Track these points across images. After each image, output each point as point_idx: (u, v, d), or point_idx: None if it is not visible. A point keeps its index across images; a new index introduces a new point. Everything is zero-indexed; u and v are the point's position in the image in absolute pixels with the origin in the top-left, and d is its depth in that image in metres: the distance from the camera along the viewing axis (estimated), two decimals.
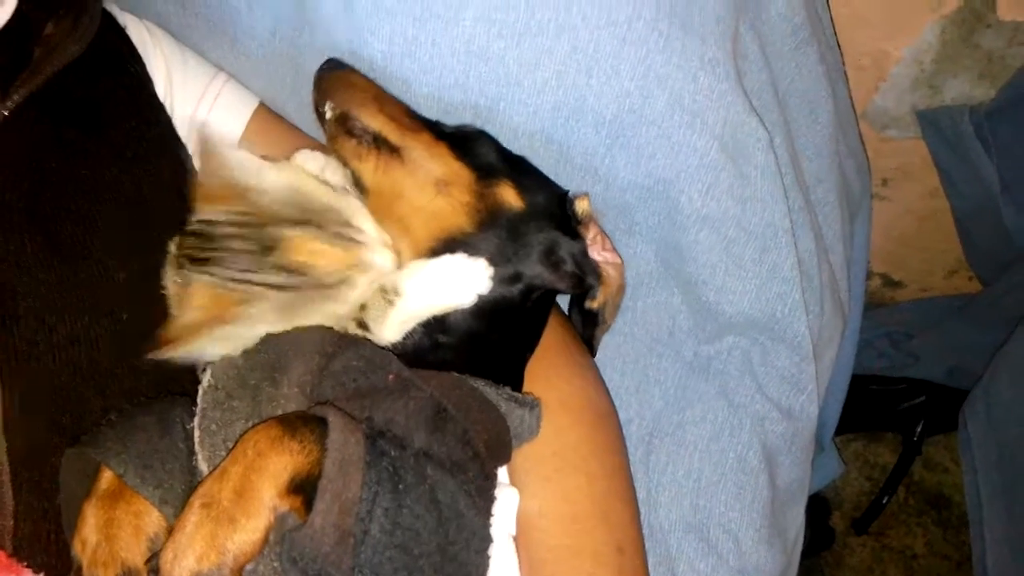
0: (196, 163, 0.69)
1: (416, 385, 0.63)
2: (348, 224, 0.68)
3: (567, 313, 0.89)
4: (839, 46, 1.13)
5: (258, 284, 0.64)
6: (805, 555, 1.08)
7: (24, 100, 0.70)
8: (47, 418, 0.64)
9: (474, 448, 0.63)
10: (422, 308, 0.70)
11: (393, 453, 0.57)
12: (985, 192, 1.48)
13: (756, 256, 0.92)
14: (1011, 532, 1.36)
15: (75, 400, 0.65)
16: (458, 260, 0.71)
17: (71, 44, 0.74)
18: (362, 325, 0.69)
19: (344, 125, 0.77)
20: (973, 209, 1.55)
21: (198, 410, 0.61)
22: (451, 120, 0.85)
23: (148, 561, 0.55)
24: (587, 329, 0.85)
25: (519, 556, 0.71)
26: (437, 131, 0.79)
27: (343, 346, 0.64)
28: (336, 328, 0.69)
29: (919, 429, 1.79)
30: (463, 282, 0.70)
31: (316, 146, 0.85)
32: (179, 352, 0.63)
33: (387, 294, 0.69)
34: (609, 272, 0.79)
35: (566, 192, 0.82)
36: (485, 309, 0.72)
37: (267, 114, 0.92)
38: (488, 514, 0.63)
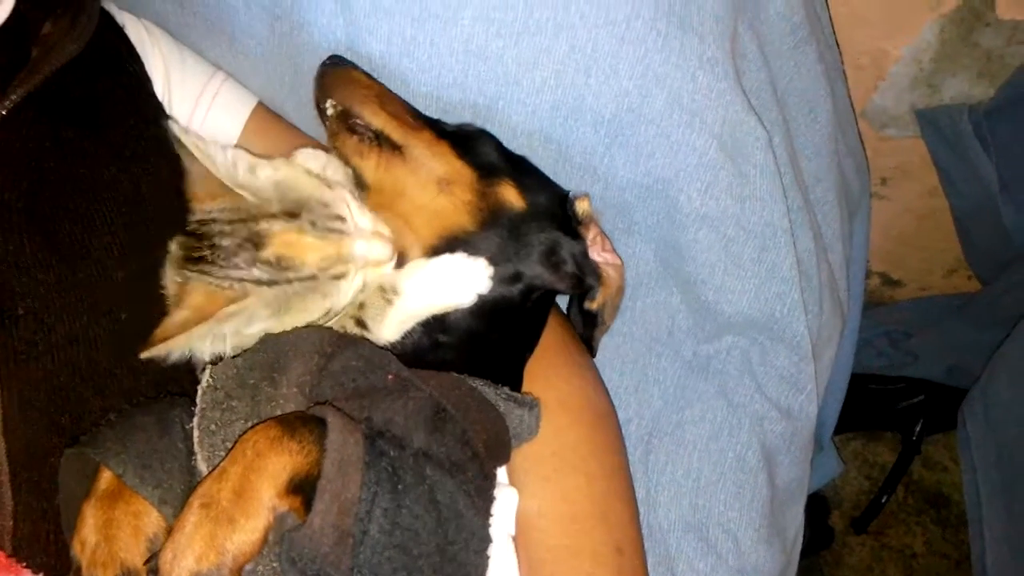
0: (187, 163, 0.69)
1: (415, 385, 0.63)
2: (334, 216, 0.67)
3: (566, 313, 0.89)
4: (838, 45, 1.13)
5: (246, 280, 0.64)
6: (804, 554, 1.08)
7: (22, 99, 0.70)
8: (46, 418, 0.63)
9: (473, 448, 0.63)
10: (421, 308, 0.70)
11: (392, 453, 0.57)
12: (984, 191, 1.48)
13: (755, 255, 0.92)
14: (1010, 531, 1.36)
15: (74, 400, 0.65)
16: (458, 260, 0.71)
17: (69, 43, 0.74)
18: (361, 324, 0.69)
19: (346, 122, 0.77)
20: (972, 208, 1.55)
21: (197, 410, 0.61)
22: (450, 119, 0.85)
23: (147, 561, 0.55)
24: (587, 329, 0.85)
25: (518, 556, 0.71)
26: (439, 130, 0.79)
27: (342, 346, 0.64)
28: (335, 326, 0.69)
29: (918, 428, 1.79)
30: (463, 282, 0.70)
31: (315, 145, 0.85)
32: (166, 350, 0.63)
33: (386, 293, 0.69)
34: (609, 273, 0.79)
35: (567, 192, 0.82)
36: (485, 309, 0.72)
37: (266, 113, 0.91)
38: (487, 514, 0.63)
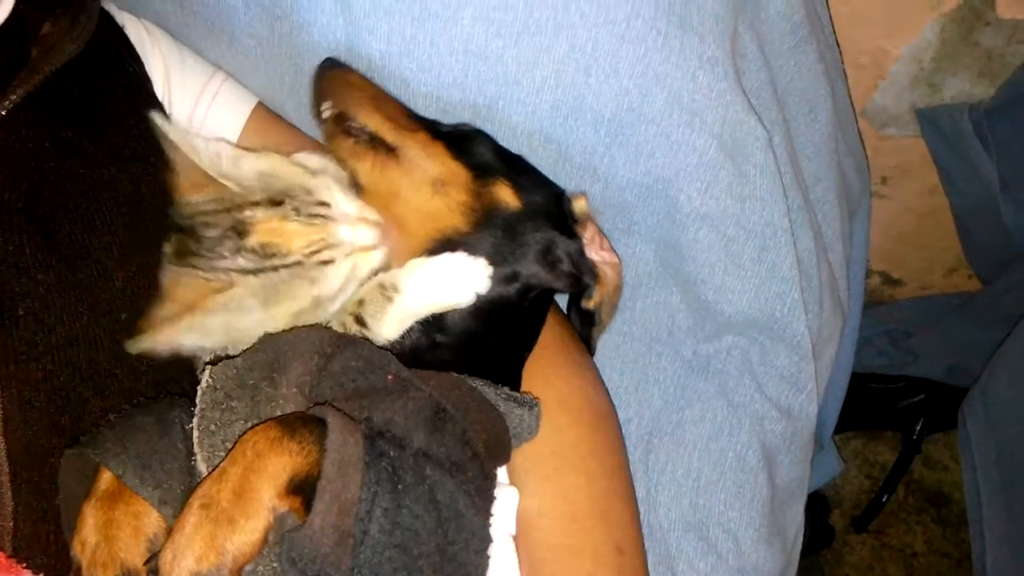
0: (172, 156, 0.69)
1: (415, 385, 0.63)
2: (318, 202, 0.67)
3: (565, 312, 0.88)
4: (838, 44, 1.13)
5: (231, 270, 0.64)
6: (805, 553, 1.08)
7: (22, 100, 0.70)
8: (46, 419, 0.63)
9: (473, 448, 0.63)
10: (421, 306, 0.70)
11: (392, 453, 0.57)
12: (984, 190, 1.48)
13: (755, 255, 0.92)
14: (1010, 530, 1.36)
15: (74, 401, 0.65)
16: (458, 259, 0.71)
17: (69, 43, 0.74)
18: (360, 322, 0.69)
19: (341, 124, 0.77)
20: (972, 207, 1.55)
21: (197, 411, 0.61)
22: (449, 119, 0.85)
23: (147, 562, 0.55)
24: (585, 328, 0.85)
25: (519, 556, 0.71)
26: (434, 130, 0.79)
27: (342, 346, 0.64)
28: (335, 324, 0.69)
29: (918, 427, 1.79)
30: (463, 281, 0.70)
31: (315, 144, 0.85)
32: (152, 344, 0.63)
33: (386, 291, 0.69)
34: (606, 272, 0.79)
35: (563, 191, 0.82)
36: (483, 308, 0.72)
37: (265, 113, 0.91)
38: (487, 514, 0.63)
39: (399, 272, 0.70)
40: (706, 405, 0.95)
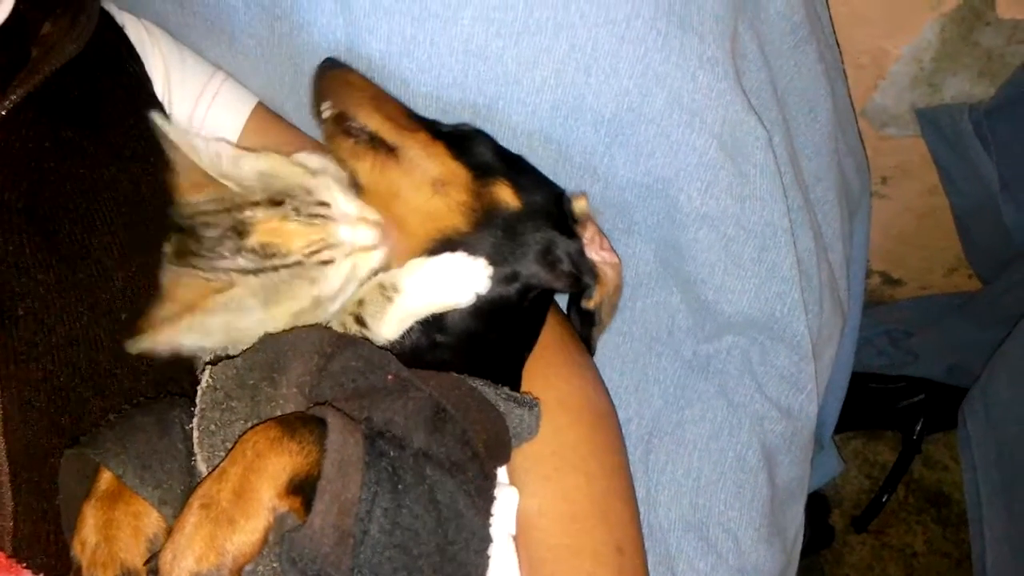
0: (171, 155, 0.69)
1: (415, 385, 0.63)
2: (317, 202, 0.68)
3: (565, 312, 0.88)
4: (838, 44, 1.13)
5: (231, 270, 0.64)
6: (805, 553, 1.08)
7: (22, 100, 0.70)
8: (46, 419, 0.63)
9: (473, 448, 0.63)
10: (421, 306, 0.70)
11: (392, 453, 0.57)
12: (984, 190, 1.48)
13: (755, 255, 0.92)
14: (1011, 530, 1.36)
15: (74, 401, 0.65)
16: (458, 259, 0.71)
17: (69, 43, 0.74)
18: (360, 322, 0.69)
19: (341, 125, 0.77)
20: (972, 207, 1.55)
21: (197, 411, 0.61)
22: (449, 119, 0.85)
23: (147, 562, 0.55)
24: (585, 328, 0.85)
25: (519, 555, 0.71)
26: (434, 130, 0.79)
27: (342, 346, 0.64)
28: (335, 324, 0.69)
29: (919, 427, 1.79)
30: (463, 281, 0.70)
31: (315, 144, 0.85)
32: (151, 343, 0.63)
33: (386, 290, 0.69)
34: (606, 272, 0.79)
35: (563, 191, 0.82)
36: (483, 309, 0.72)
37: (265, 113, 0.91)
38: (487, 514, 0.63)
39: (399, 272, 0.70)
40: (706, 405, 0.95)
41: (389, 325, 0.69)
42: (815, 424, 1.01)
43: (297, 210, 0.66)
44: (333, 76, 0.81)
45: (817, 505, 1.82)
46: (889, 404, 1.80)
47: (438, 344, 0.71)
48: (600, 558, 0.72)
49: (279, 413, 0.60)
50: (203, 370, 0.64)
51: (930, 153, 1.52)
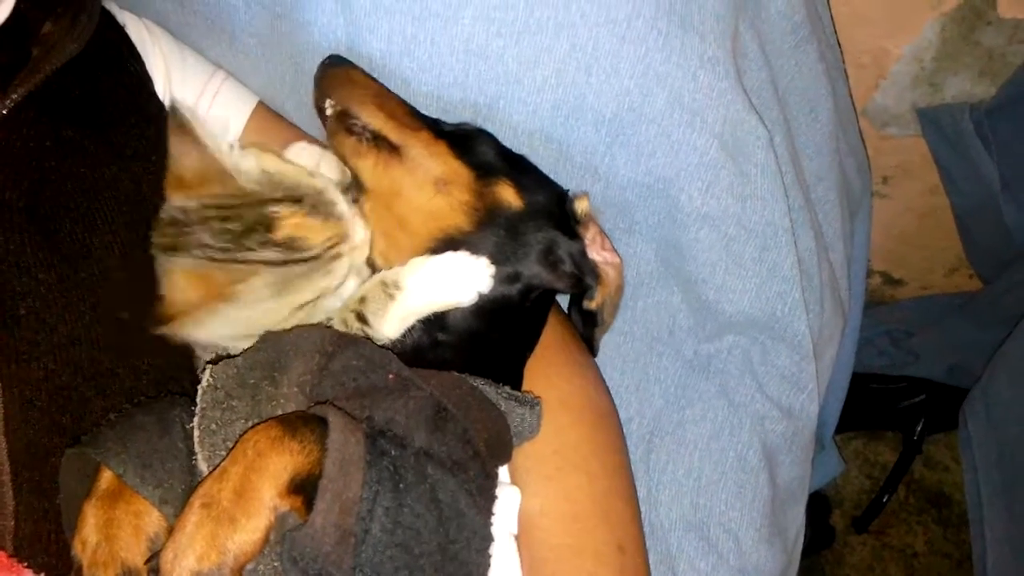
0: (170, 143, 0.70)
1: (416, 384, 0.63)
2: (329, 200, 0.70)
3: (567, 312, 0.88)
4: (839, 44, 1.13)
5: (253, 262, 0.65)
6: (805, 554, 1.08)
7: (23, 99, 0.70)
8: (48, 418, 0.63)
9: (474, 447, 0.63)
10: (423, 304, 0.70)
11: (393, 452, 0.57)
12: (985, 190, 1.48)
13: (756, 255, 0.92)
14: (1011, 531, 1.36)
15: (76, 400, 0.65)
16: (461, 257, 0.71)
17: (69, 43, 0.74)
18: (362, 319, 0.69)
19: (344, 122, 0.77)
20: (973, 207, 1.55)
21: (198, 410, 0.61)
22: (450, 119, 0.85)
23: (148, 561, 0.55)
24: (587, 329, 0.85)
25: (520, 555, 0.71)
26: (437, 129, 0.79)
27: (343, 345, 0.64)
28: (336, 320, 0.69)
29: (919, 427, 1.79)
30: (465, 279, 0.70)
31: (316, 144, 0.85)
32: (182, 329, 0.64)
33: (388, 287, 0.69)
34: (608, 272, 0.79)
35: (566, 191, 0.82)
36: (484, 308, 0.72)
37: (266, 112, 0.91)
38: (489, 513, 0.63)
39: (401, 270, 0.70)
40: (707, 405, 0.95)
41: (391, 323, 0.69)
42: (816, 424, 1.01)
43: (315, 207, 0.69)
44: (336, 73, 0.81)
45: (818, 505, 1.82)
46: (890, 404, 1.80)
47: (439, 343, 0.71)
48: (602, 558, 0.72)
49: (280, 412, 0.60)
50: (204, 369, 0.64)
51: (931, 153, 1.52)
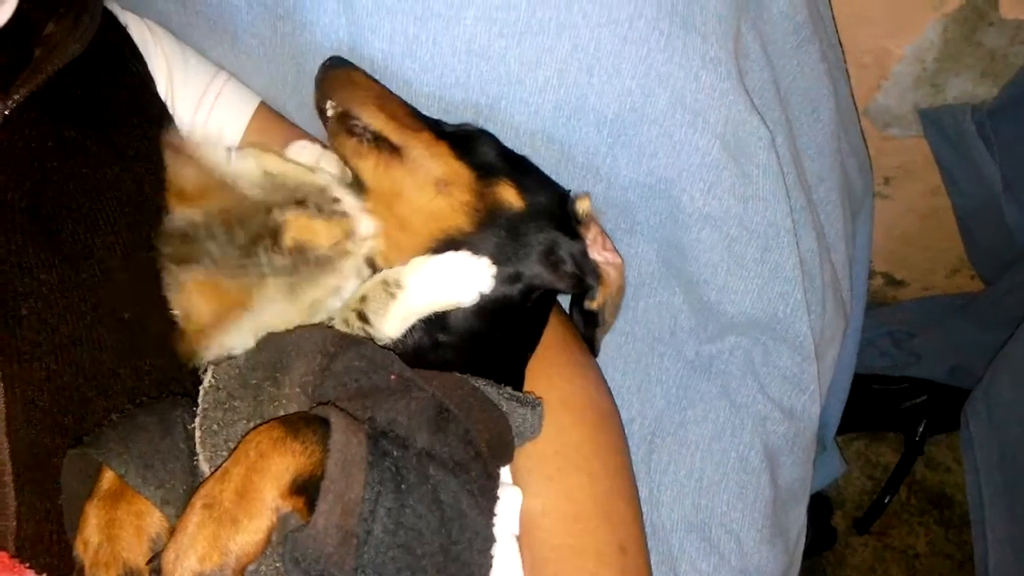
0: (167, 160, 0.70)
1: (418, 385, 0.63)
2: (333, 198, 0.70)
3: (568, 313, 0.88)
4: (841, 44, 1.13)
5: (264, 270, 0.65)
6: (807, 555, 1.08)
7: (25, 99, 0.70)
8: (49, 419, 0.63)
9: (476, 448, 0.63)
10: (424, 303, 0.70)
11: (395, 453, 0.57)
12: (987, 191, 1.48)
13: (758, 255, 0.92)
14: (1013, 531, 1.36)
15: (77, 401, 0.65)
16: (462, 257, 0.71)
17: (72, 43, 0.74)
18: (363, 317, 0.69)
19: (345, 123, 0.77)
20: (975, 208, 1.55)
21: (199, 410, 0.61)
22: (452, 119, 0.85)
23: (150, 561, 0.55)
24: (588, 329, 0.85)
25: (522, 556, 0.71)
26: (438, 130, 0.79)
27: (345, 346, 0.64)
28: (338, 319, 0.69)
29: (921, 428, 1.79)
30: (466, 279, 0.70)
31: (316, 143, 0.85)
32: (210, 343, 0.64)
33: (389, 287, 0.69)
34: (609, 272, 0.79)
35: (567, 192, 0.82)
36: (486, 308, 0.71)
37: (268, 113, 0.91)
38: (491, 514, 0.63)
39: (403, 269, 0.70)
40: (708, 405, 0.95)
41: (392, 322, 0.69)
42: (817, 425, 1.01)
43: (319, 207, 0.68)
44: (337, 74, 0.81)
45: (819, 506, 1.82)
46: (891, 405, 1.80)
47: (441, 344, 0.71)
48: (603, 558, 0.72)
49: (282, 413, 0.60)
50: (205, 370, 0.64)
51: (933, 154, 1.51)
